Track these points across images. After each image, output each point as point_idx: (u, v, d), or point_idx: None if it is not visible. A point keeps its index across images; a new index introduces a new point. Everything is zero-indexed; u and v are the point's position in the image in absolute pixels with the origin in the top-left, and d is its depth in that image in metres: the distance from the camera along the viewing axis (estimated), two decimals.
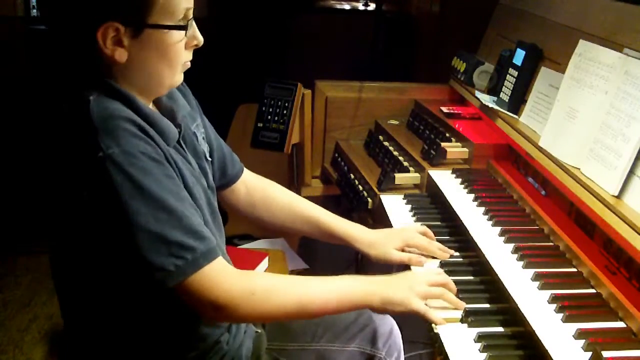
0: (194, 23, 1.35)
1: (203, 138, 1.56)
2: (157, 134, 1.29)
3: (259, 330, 1.63)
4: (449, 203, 1.91)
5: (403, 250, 1.68)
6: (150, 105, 1.38)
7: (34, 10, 5.56)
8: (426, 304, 1.42)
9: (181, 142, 1.42)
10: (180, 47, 1.33)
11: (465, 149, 2.20)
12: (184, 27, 1.32)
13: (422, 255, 1.67)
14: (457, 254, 1.70)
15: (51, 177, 1.31)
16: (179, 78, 1.39)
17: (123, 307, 1.35)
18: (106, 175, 1.19)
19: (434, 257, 1.67)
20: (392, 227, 1.87)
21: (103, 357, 1.41)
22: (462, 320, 1.41)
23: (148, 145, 1.24)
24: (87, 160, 1.20)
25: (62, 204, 1.28)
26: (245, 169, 1.75)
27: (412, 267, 1.64)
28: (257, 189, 1.75)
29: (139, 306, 1.35)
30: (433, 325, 1.39)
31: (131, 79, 1.31)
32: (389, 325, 1.74)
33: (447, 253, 1.68)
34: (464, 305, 1.44)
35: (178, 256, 1.22)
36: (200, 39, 1.37)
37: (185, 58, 1.36)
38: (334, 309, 1.41)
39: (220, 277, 1.27)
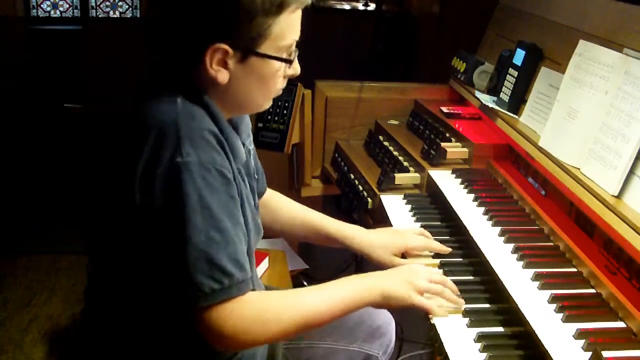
0: (296, 54, 1.36)
1: (253, 155, 1.55)
2: (230, 151, 1.29)
3: None
4: (449, 203, 1.91)
5: (403, 255, 1.68)
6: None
7: (34, 10, 5.57)
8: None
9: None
10: (280, 77, 1.34)
11: (465, 149, 2.20)
12: (289, 61, 1.33)
13: (421, 255, 1.68)
14: (456, 253, 1.70)
15: (109, 175, 1.30)
16: (268, 104, 1.39)
17: (152, 313, 1.33)
18: (177, 180, 1.18)
19: (433, 257, 1.67)
20: (392, 227, 1.87)
21: (121, 358, 1.40)
22: (464, 315, 1.42)
23: (224, 161, 1.24)
24: (164, 161, 1.19)
25: (118, 201, 1.26)
26: None
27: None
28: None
29: (169, 314, 1.31)
30: (432, 322, 1.40)
31: (224, 98, 1.31)
32: (387, 324, 1.76)
33: (446, 249, 1.69)
34: (463, 303, 1.45)
35: (216, 280, 1.21)
36: (297, 70, 1.38)
37: (279, 86, 1.37)
38: (340, 314, 1.40)
39: (241, 311, 1.25)
